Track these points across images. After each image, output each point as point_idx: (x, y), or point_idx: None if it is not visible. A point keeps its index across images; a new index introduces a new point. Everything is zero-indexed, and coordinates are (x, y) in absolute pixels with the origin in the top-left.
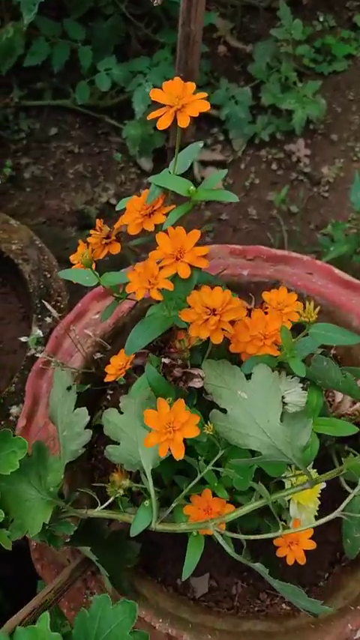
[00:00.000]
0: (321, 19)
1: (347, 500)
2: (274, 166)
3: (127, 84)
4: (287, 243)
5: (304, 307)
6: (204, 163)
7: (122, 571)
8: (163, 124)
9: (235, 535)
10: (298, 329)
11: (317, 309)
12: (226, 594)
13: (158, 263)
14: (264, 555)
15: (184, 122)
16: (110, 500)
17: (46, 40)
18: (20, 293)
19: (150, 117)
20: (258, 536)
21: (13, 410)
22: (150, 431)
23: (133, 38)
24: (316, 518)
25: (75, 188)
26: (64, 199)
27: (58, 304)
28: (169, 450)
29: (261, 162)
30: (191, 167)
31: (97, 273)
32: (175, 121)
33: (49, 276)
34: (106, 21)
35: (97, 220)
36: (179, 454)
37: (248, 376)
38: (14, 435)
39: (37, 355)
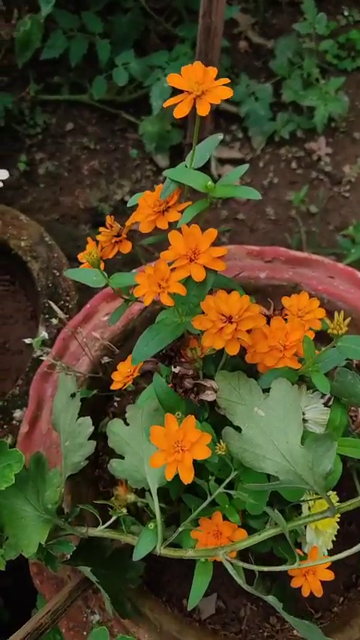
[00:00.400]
0: (345, 13)
1: None
2: (293, 165)
3: (145, 79)
4: (306, 244)
5: (327, 314)
6: (221, 161)
7: (125, 591)
8: (180, 112)
9: (246, 565)
10: (319, 337)
11: (348, 320)
12: (234, 617)
13: (170, 264)
14: (277, 581)
15: (203, 110)
16: (113, 519)
17: (63, 33)
18: (29, 291)
19: (166, 104)
20: (271, 568)
21: (17, 414)
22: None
23: (153, 32)
24: (334, 542)
25: (90, 185)
26: (79, 196)
27: (67, 304)
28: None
29: (280, 160)
30: (208, 164)
31: (105, 274)
32: (192, 115)
33: (58, 274)
34: (126, 15)
35: (108, 217)
36: (188, 478)
37: (266, 391)
38: (11, 447)
39: (43, 358)
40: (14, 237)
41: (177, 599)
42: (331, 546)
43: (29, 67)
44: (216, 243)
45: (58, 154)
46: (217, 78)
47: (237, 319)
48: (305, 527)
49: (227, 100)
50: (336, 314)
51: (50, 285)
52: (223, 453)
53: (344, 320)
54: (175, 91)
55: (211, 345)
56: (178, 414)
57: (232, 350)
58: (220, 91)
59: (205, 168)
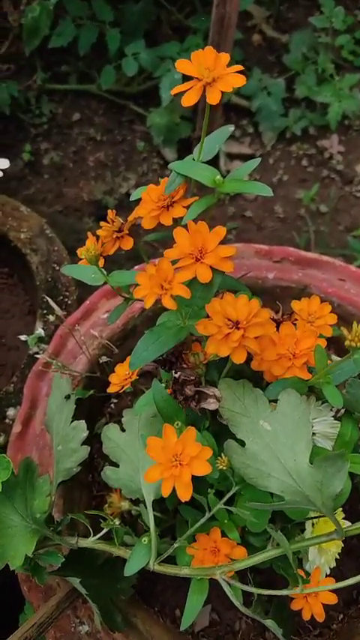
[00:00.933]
0: None
1: None
2: (304, 162)
3: (156, 70)
4: (314, 244)
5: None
6: (231, 156)
7: (115, 602)
8: (189, 100)
9: (245, 587)
10: (329, 343)
11: None
12: (228, 630)
13: (174, 264)
14: (276, 601)
15: (214, 98)
16: (106, 530)
17: (72, 21)
18: (27, 285)
19: (174, 91)
20: (272, 592)
21: (10, 412)
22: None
23: (164, 23)
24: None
25: (95, 177)
26: (83, 188)
27: (66, 299)
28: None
29: (291, 157)
30: (217, 159)
31: (104, 271)
32: (202, 107)
33: (57, 268)
34: (137, 4)
35: (109, 211)
36: (186, 495)
37: (272, 401)
38: (2, 447)
39: (38, 356)
40: (14, 229)
41: (170, 609)
42: (334, 564)
43: (37, 55)
44: (223, 241)
45: (64, 144)
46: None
47: (245, 325)
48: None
49: (238, 94)
50: (355, 324)
51: (49, 279)
52: (225, 468)
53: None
54: (186, 82)
55: (216, 351)
56: (177, 424)
57: (239, 358)
58: (233, 79)
59: (213, 163)
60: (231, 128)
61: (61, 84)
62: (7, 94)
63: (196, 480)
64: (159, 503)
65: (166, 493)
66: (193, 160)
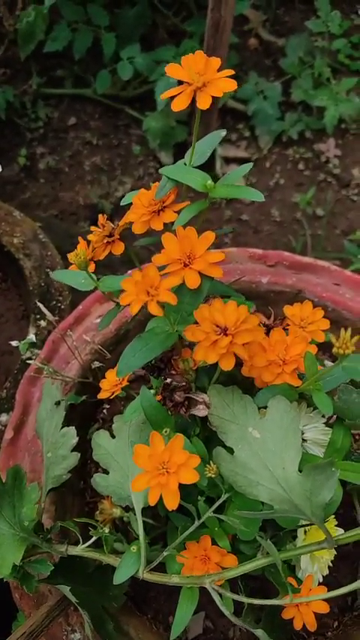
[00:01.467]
0: None
1: None
2: (300, 166)
3: (151, 74)
4: (311, 248)
5: (331, 324)
6: (227, 160)
7: (107, 610)
8: (179, 105)
9: (235, 596)
10: (322, 348)
11: (356, 338)
12: (222, 637)
13: (161, 270)
14: (268, 609)
15: (204, 103)
16: (96, 538)
17: (68, 26)
18: (21, 290)
19: (163, 96)
20: (262, 601)
21: (3, 417)
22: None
23: (160, 27)
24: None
25: (91, 181)
26: (79, 192)
27: (59, 304)
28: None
29: (287, 161)
30: (213, 163)
31: (94, 276)
32: (205, 115)
33: (51, 273)
34: (133, 8)
35: (100, 216)
36: (173, 504)
37: (263, 408)
38: None
39: (30, 361)
40: (7, 234)
41: (164, 616)
42: (327, 572)
43: (32, 60)
44: (219, 244)
45: (60, 148)
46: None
47: (233, 331)
48: None
49: (235, 98)
50: (342, 331)
51: (42, 284)
52: (214, 475)
53: (351, 336)
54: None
55: (204, 358)
56: (165, 431)
57: (227, 365)
58: (224, 83)
59: (209, 167)
60: (223, 133)
61: (57, 88)
62: (3, 99)
63: (187, 486)
64: (152, 509)
65: (152, 502)
66: (185, 164)
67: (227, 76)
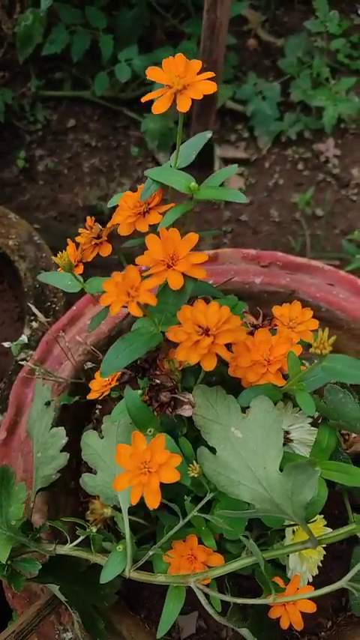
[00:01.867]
0: None
1: (354, 571)
2: (300, 166)
3: None
4: (310, 248)
5: (324, 323)
6: (226, 161)
7: (99, 609)
8: (159, 107)
9: (219, 595)
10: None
11: (333, 339)
12: (215, 637)
13: (142, 272)
14: (255, 609)
15: (184, 105)
16: (84, 537)
17: (66, 29)
18: (17, 291)
19: (144, 99)
20: (245, 600)
21: None
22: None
23: (159, 28)
24: (322, 562)
25: (90, 183)
26: (78, 194)
27: (53, 306)
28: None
29: (286, 161)
30: (212, 163)
31: (80, 278)
32: (196, 112)
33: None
34: (131, 10)
35: (88, 218)
36: (154, 503)
37: (248, 408)
38: None
39: (23, 362)
40: (2, 236)
41: (157, 615)
42: (317, 572)
43: (31, 63)
44: (218, 245)
45: (59, 150)
46: (223, 76)
47: (214, 332)
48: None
49: (233, 99)
50: (320, 331)
51: (37, 285)
52: (197, 475)
53: (328, 339)
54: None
55: (186, 358)
56: (150, 431)
57: (208, 365)
58: (203, 86)
59: (208, 168)
60: (209, 134)
61: (56, 91)
62: (2, 102)
63: (174, 486)
64: (144, 509)
65: (134, 501)
66: (171, 166)
67: (208, 78)
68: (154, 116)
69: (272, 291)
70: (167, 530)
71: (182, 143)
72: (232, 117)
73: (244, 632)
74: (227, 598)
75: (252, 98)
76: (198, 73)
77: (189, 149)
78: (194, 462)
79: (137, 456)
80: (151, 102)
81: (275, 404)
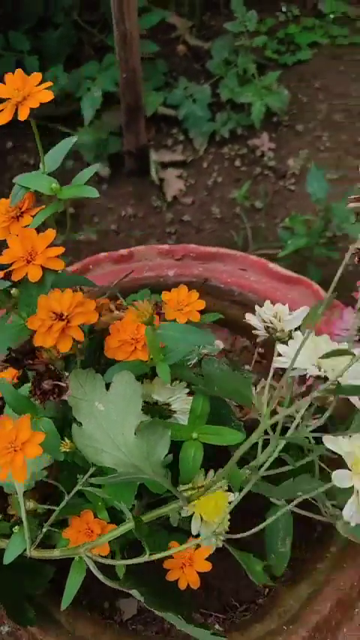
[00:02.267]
0: (284, 9)
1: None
2: (237, 163)
3: (77, 90)
4: (252, 239)
5: (238, 306)
6: (163, 165)
7: (31, 598)
8: (2, 119)
9: (108, 561)
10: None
11: (152, 307)
12: (155, 616)
13: (2, 269)
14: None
15: (23, 114)
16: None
17: None
18: None
19: None
20: (128, 562)
21: None
22: None
23: (86, 44)
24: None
25: None
26: None
27: None
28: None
29: (224, 159)
30: (148, 168)
31: None
32: (128, 123)
33: None
34: (56, 30)
35: None
36: (21, 478)
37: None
38: None
39: None
40: None
41: (100, 600)
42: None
43: None
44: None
45: None
46: (136, 82)
47: (68, 316)
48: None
49: (165, 104)
50: (141, 301)
51: None
52: (68, 449)
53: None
54: (107, 100)
55: (43, 343)
56: (34, 419)
57: (64, 347)
58: (42, 95)
59: (144, 173)
60: (74, 139)
61: None
62: None
63: (68, 464)
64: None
65: (2, 478)
66: (43, 173)
67: (46, 88)
68: (87, 129)
69: (186, 282)
70: (62, 508)
71: (116, 152)
72: (166, 122)
73: (134, 592)
74: (113, 562)
75: (183, 102)
76: (37, 85)
77: (55, 154)
78: (65, 438)
79: (4, 436)
80: (80, 115)
81: (144, 377)
